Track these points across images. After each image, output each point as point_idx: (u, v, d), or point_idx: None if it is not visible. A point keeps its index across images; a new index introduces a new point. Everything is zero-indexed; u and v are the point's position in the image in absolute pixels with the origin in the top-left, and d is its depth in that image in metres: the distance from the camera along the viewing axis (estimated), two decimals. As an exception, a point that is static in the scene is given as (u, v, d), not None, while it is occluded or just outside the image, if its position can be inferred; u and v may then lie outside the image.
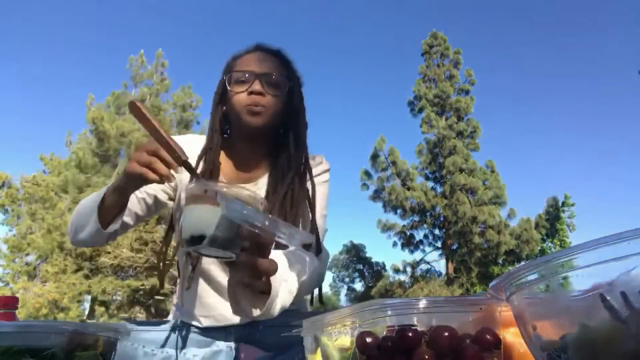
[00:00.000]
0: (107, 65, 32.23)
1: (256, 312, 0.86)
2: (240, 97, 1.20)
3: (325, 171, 1.37)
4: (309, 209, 1.25)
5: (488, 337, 0.50)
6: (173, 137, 0.96)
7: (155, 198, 1.24)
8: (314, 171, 1.32)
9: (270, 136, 1.29)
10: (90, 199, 1.14)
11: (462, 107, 17.50)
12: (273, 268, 0.79)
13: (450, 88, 17.80)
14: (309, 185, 1.27)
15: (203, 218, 0.69)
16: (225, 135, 1.30)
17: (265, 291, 0.86)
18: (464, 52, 18.57)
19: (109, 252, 13.04)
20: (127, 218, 1.18)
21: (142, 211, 1.23)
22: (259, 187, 1.29)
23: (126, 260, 12.92)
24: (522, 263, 0.34)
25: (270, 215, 0.70)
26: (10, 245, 14.14)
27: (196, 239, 0.68)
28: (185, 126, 16.10)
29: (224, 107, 1.27)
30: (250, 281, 0.82)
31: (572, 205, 21.56)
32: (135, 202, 1.21)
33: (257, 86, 1.20)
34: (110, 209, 1.08)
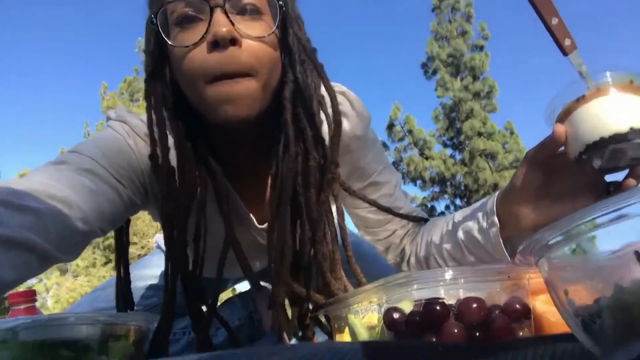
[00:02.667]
0: (117, 51, 32.47)
1: None
2: (193, 59, 0.65)
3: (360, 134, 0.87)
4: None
5: (517, 306, 0.49)
6: None
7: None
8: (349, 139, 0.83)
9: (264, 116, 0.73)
10: None
11: (477, 66, 17.09)
12: None
13: (463, 45, 17.36)
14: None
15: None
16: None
17: None
18: (475, 3, 17.96)
19: (135, 243, 13.31)
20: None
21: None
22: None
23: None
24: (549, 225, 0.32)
25: None
26: (41, 241, 14.52)
27: (636, 132, 0.56)
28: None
29: (166, 82, 0.72)
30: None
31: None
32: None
33: (220, 23, 0.62)
34: None
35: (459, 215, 0.86)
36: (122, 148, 0.72)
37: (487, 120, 16.55)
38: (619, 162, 0.60)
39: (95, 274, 13.50)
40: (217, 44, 0.63)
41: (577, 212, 0.29)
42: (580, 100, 0.59)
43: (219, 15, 0.63)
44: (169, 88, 0.72)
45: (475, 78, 17.16)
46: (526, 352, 0.31)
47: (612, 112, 0.57)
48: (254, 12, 0.67)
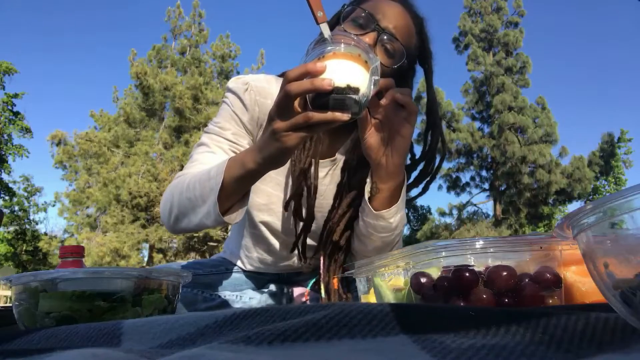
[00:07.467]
0: (148, 18, 32.46)
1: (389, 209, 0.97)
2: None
3: None
4: None
5: (548, 275, 0.49)
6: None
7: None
8: None
9: None
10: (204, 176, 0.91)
11: (511, 42, 16.53)
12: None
13: (497, 21, 16.78)
14: None
15: (360, 74, 0.74)
16: None
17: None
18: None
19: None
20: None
21: None
22: (336, 166, 1.11)
23: (179, 210, 13.45)
24: (590, 201, 0.32)
25: None
26: (72, 199, 14.98)
27: (351, 89, 0.72)
28: (225, 77, 16.12)
29: None
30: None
31: (629, 140, 20.43)
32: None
33: (369, 39, 0.95)
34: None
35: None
36: (244, 107, 1.06)
37: (519, 94, 16.09)
38: (343, 110, 0.73)
39: (123, 230, 13.91)
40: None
41: (619, 191, 0.29)
42: (321, 58, 0.75)
43: (373, 33, 0.96)
44: None
45: (508, 53, 16.62)
46: (559, 319, 0.31)
47: (337, 71, 0.72)
48: (390, 50, 0.98)
